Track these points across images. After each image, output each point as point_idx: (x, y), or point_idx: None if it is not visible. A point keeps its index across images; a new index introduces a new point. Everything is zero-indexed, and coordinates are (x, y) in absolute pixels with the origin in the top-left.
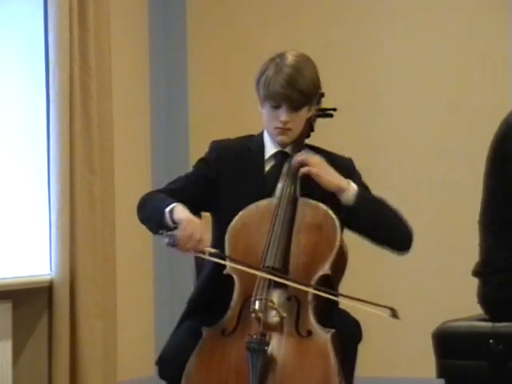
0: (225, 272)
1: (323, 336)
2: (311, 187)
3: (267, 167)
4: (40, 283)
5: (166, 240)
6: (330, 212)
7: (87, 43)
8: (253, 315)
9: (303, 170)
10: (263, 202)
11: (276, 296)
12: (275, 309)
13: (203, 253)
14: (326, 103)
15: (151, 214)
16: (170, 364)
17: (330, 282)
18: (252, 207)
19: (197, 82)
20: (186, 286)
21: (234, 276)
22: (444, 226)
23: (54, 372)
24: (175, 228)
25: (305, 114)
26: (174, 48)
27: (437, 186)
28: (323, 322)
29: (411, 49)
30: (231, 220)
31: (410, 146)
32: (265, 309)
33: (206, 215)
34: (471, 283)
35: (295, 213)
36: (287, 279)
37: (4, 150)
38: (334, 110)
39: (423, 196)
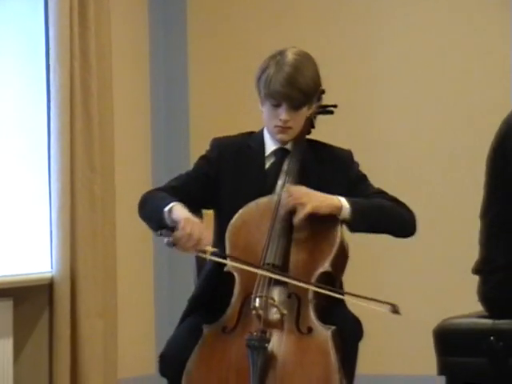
0: (225, 269)
1: (324, 333)
2: (310, 185)
3: (267, 164)
4: (41, 281)
5: (165, 240)
6: None
7: (88, 41)
8: (253, 312)
9: (299, 218)
10: (263, 200)
11: (276, 293)
12: (276, 306)
13: (203, 252)
14: (326, 100)
15: (151, 213)
16: (171, 362)
17: (331, 279)
18: (252, 205)
19: (197, 80)
20: (187, 284)
21: (235, 273)
22: (444, 223)
23: (54, 370)
24: (174, 227)
25: (305, 112)
26: (174, 46)
27: (437, 183)
28: (324, 319)
29: (411, 46)
30: (232, 217)
31: (409, 143)
32: (265, 306)
33: (209, 212)
34: (472, 281)
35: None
36: (287, 277)
37: (4, 148)
38: (335, 106)
39: (423, 193)
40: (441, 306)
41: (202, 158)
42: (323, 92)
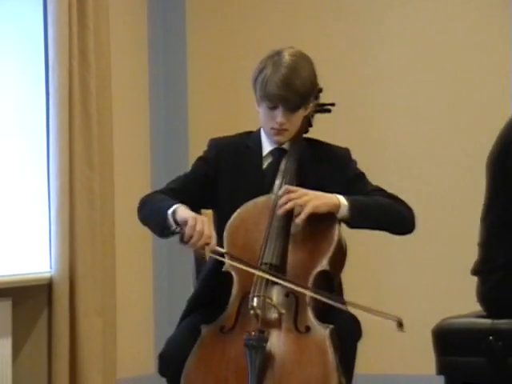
0: (223, 269)
1: (322, 332)
2: (308, 184)
3: (265, 164)
4: (40, 280)
5: (179, 236)
6: None
7: (86, 40)
8: (251, 312)
9: (300, 219)
10: (261, 199)
11: (274, 293)
12: (273, 305)
13: (215, 252)
14: (324, 98)
15: (153, 215)
16: (170, 361)
17: (329, 278)
18: (250, 204)
19: (196, 78)
20: (186, 283)
21: (233, 273)
22: (443, 223)
23: (53, 369)
24: (177, 229)
25: (302, 113)
26: (173, 44)
27: (436, 182)
28: (322, 318)
29: (411, 45)
30: (230, 216)
31: (408, 142)
32: (263, 305)
33: (208, 212)
34: (471, 281)
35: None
36: (285, 280)
37: (3, 146)
38: (333, 105)
39: (422, 192)
40: (440, 305)
41: (200, 158)
42: (321, 90)
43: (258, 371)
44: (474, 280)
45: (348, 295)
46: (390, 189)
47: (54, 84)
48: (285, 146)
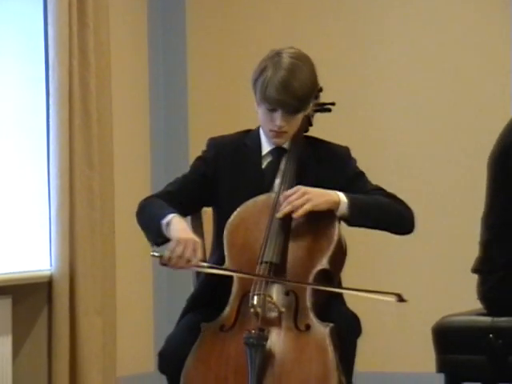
0: None
1: (322, 330)
2: (308, 183)
3: (264, 163)
4: (40, 278)
5: (159, 260)
6: None
7: (86, 39)
8: (251, 310)
9: (297, 214)
10: (261, 198)
11: (274, 291)
12: (273, 304)
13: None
14: (324, 97)
15: (149, 223)
16: (170, 359)
17: (329, 277)
18: (250, 203)
19: (196, 77)
20: (185, 282)
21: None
22: (444, 221)
23: (53, 367)
24: (155, 252)
25: (301, 115)
26: (173, 43)
27: (436, 181)
28: (322, 316)
29: (411, 44)
30: (229, 216)
31: (409, 141)
32: (263, 304)
33: (208, 210)
34: (471, 278)
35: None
36: (284, 280)
37: (4, 145)
38: (333, 104)
39: (422, 191)
40: (440, 303)
41: (199, 158)
42: (321, 90)
43: (258, 369)
44: (474, 278)
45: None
46: (390, 188)
47: (54, 83)
48: (284, 146)
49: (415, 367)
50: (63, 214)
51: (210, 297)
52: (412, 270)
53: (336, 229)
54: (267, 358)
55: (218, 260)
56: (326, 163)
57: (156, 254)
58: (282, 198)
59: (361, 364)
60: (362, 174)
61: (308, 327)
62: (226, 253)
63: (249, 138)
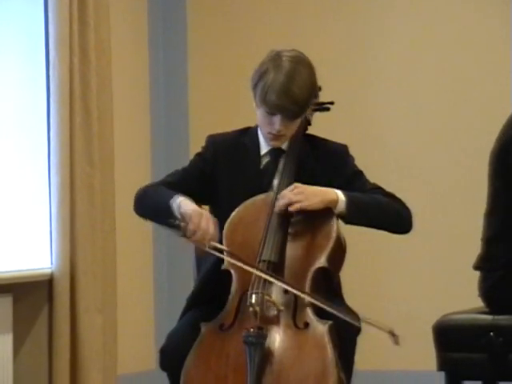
0: (223, 267)
1: (320, 328)
2: (306, 182)
3: (263, 162)
4: (40, 277)
5: (180, 230)
6: None
7: (87, 37)
8: (250, 309)
9: (293, 208)
10: (260, 197)
11: (273, 290)
12: (272, 302)
13: (211, 248)
14: (323, 96)
15: (154, 205)
16: (171, 356)
17: (328, 275)
18: (249, 202)
19: (197, 75)
20: (186, 279)
21: (232, 271)
22: (444, 218)
23: (54, 365)
24: (180, 223)
25: (300, 120)
26: (173, 41)
27: (436, 179)
28: (321, 313)
29: (410, 43)
30: (228, 215)
31: (408, 141)
32: (262, 302)
33: (206, 208)
34: (472, 276)
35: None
36: (283, 281)
37: (4, 143)
38: (332, 103)
39: (423, 189)
40: (440, 301)
41: (198, 155)
42: (320, 89)
43: (257, 368)
44: (475, 277)
45: (348, 292)
46: (389, 186)
47: (54, 81)
48: (283, 147)
49: (416, 365)
50: (64, 212)
51: (210, 294)
52: (413, 268)
53: (334, 227)
54: (266, 356)
55: (216, 259)
56: (324, 161)
57: (182, 224)
58: (280, 197)
59: (361, 362)
60: (360, 173)
61: (307, 325)
62: (225, 252)
63: (247, 137)
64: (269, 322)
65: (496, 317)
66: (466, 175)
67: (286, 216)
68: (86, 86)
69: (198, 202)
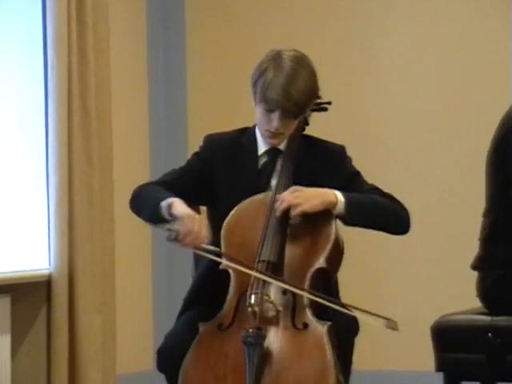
0: (221, 267)
1: (319, 329)
2: (304, 183)
3: (260, 162)
4: (39, 277)
5: (167, 234)
6: None
7: (86, 36)
8: (249, 309)
9: (295, 213)
10: (258, 197)
11: (272, 290)
12: (271, 302)
13: (203, 250)
14: (323, 95)
15: (146, 206)
16: (169, 356)
17: (326, 276)
18: (247, 202)
19: (195, 74)
20: (185, 279)
21: (230, 271)
22: (442, 219)
23: (52, 366)
24: (171, 221)
25: (298, 119)
26: (172, 40)
27: (435, 179)
28: (319, 314)
29: (409, 42)
30: (226, 215)
31: (406, 140)
32: (260, 303)
33: (202, 208)
34: (470, 277)
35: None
36: (281, 281)
37: (2, 142)
38: (329, 103)
39: (421, 189)
40: (439, 302)
41: (195, 154)
42: (318, 92)
43: (256, 368)
44: (473, 277)
45: (346, 292)
46: (388, 187)
47: (53, 81)
48: (280, 147)
49: (414, 366)
50: (62, 212)
51: (207, 294)
52: (411, 268)
53: (333, 227)
54: (265, 356)
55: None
56: (321, 162)
57: (167, 226)
58: (278, 197)
59: (359, 363)
60: (357, 174)
61: (305, 326)
62: (223, 252)
63: (245, 137)
64: (268, 322)
65: (494, 317)
66: (465, 175)
67: (284, 217)
68: (84, 86)
69: (195, 201)
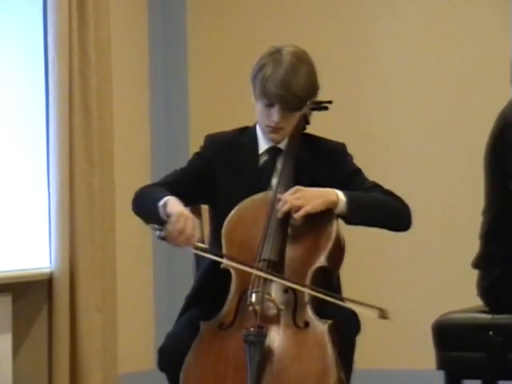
0: (222, 266)
1: (320, 327)
2: (304, 181)
3: (261, 161)
4: (40, 276)
5: (157, 233)
6: None
7: (87, 35)
8: (250, 308)
9: (298, 215)
10: (259, 196)
11: (273, 288)
12: (272, 301)
13: (194, 248)
14: (321, 95)
15: (146, 207)
16: (170, 356)
17: (327, 274)
18: (248, 201)
19: (197, 73)
20: (186, 278)
21: (231, 270)
22: (443, 216)
23: (54, 365)
24: (164, 223)
25: (298, 113)
26: (173, 39)
27: (435, 177)
28: (320, 313)
29: (409, 41)
30: (227, 214)
31: (406, 138)
32: (261, 301)
33: (204, 208)
34: (471, 275)
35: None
36: (281, 278)
37: (3, 142)
38: (330, 102)
39: (421, 187)
40: (440, 300)
41: (196, 154)
42: (318, 88)
43: (257, 367)
44: (474, 275)
45: (347, 290)
46: (388, 185)
47: (54, 80)
48: (281, 146)
49: (415, 364)
50: (63, 211)
51: (208, 293)
52: (411, 266)
53: (334, 226)
54: (266, 355)
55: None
56: (322, 160)
57: (156, 226)
58: (279, 197)
59: (360, 361)
60: (358, 171)
61: (307, 324)
62: (224, 251)
63: (246, 136)
64: (269, 321)
65: (495, 316)
66: (465, 173)
67: (285, 216)
68: (85, 85)
69: (197, 201)
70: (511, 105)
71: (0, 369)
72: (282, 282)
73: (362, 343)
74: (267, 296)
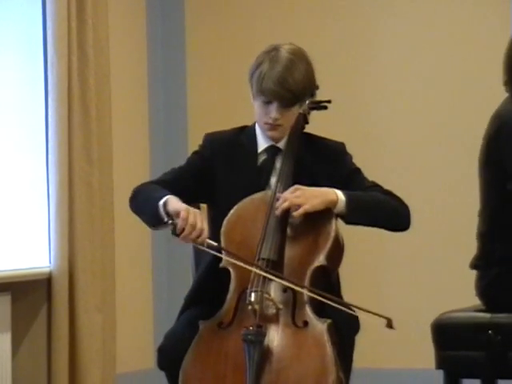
0: (221, 265)
1: (319, 326)
2: (304, 181)
3: (260, 160)
4: (39, 275)
5: (172, 228)
6: None
7: (86, 35)
8: (249, 307)
9: (297, 213)
10: (258, 195)
11: (272, 288)
12: (271, 300)
13: (202, 245)
14: (320, 94)
15: (144, 205)
16: (169, 354)
17: (327, 273)
18: (247, 200)
19: (195, 73)
20: (185, 278)
21: (230, 269)
22: (442, 216)
23: (53, 364)
24: (168, 220)
25: (296, 109)
26: (172, 39)
27: (434, 177)
28: (320, 312)
29: (408, 40)
30: (226, 213)
31: (405, 137)
32: (261, 300)
33: (202, 206)
34: (470, 274)
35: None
36: (281, 278)
37: (2, 141)
38: (329, 102)
39: (420, 187)
40: (439, 299)
41: (195, 153)
42: (317, 88)
43: (257, 366)
44: (473, 274)
45: (346, 290)
46: (388, 184)
47: (53, 79)
48: (279, 145)
49: (414, 364)
50: (62, 211)
51: (208, 293)
52: (410, 265)
53: (333, 225)
54: (265, 354)
55: (213, 257)
56: (321, 159)
57: (169, 222)
58: (279, 196)
59: (359, 360)
60: (358, 171)
61: (306, 323)
62: (225, 247)
63: (244, 135)
64: (268, 320)
65: (494, 315)
66: (464, 173)
67: (284, 216)
68: (84, 85)
69: (195, 200)
70: (505, 105)
71: None
72: (282, 281)
73: (362, 342)
74: (266, 295)
